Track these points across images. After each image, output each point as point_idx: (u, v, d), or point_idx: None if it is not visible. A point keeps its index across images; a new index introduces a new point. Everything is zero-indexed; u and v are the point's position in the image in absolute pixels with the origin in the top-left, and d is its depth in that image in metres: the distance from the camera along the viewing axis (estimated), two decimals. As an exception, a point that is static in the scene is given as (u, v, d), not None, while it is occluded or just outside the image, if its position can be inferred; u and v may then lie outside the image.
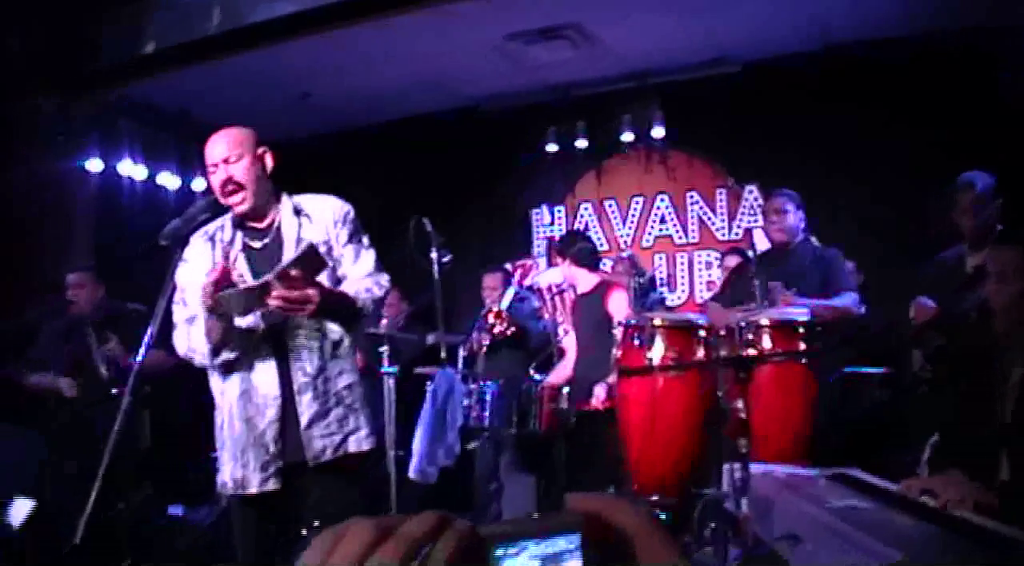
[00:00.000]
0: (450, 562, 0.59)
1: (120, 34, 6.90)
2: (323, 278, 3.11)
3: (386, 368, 5.76)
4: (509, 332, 5.83)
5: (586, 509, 0.66)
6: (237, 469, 3.15)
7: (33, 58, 6.80)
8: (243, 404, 3.14)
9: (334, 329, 3.15)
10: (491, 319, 5.84)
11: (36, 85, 7.06)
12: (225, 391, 3.21)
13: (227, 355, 3.14)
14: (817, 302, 4.93)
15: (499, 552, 0.62)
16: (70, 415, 5.51)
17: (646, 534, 0.65)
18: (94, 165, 7.53)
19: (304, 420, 3.07)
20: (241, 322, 3.06)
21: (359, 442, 3.16)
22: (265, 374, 3.11)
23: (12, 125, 7.02)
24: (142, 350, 2.99)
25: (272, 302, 2.84)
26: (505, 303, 5.85)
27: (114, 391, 5.19)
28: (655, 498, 4.44)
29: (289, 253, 3.13)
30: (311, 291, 2.86)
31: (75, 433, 5.42)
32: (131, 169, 7.81)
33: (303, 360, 3.10)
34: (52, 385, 5.57)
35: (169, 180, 8.08)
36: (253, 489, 3.10)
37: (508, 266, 7.29)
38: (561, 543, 0.64)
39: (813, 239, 5.60)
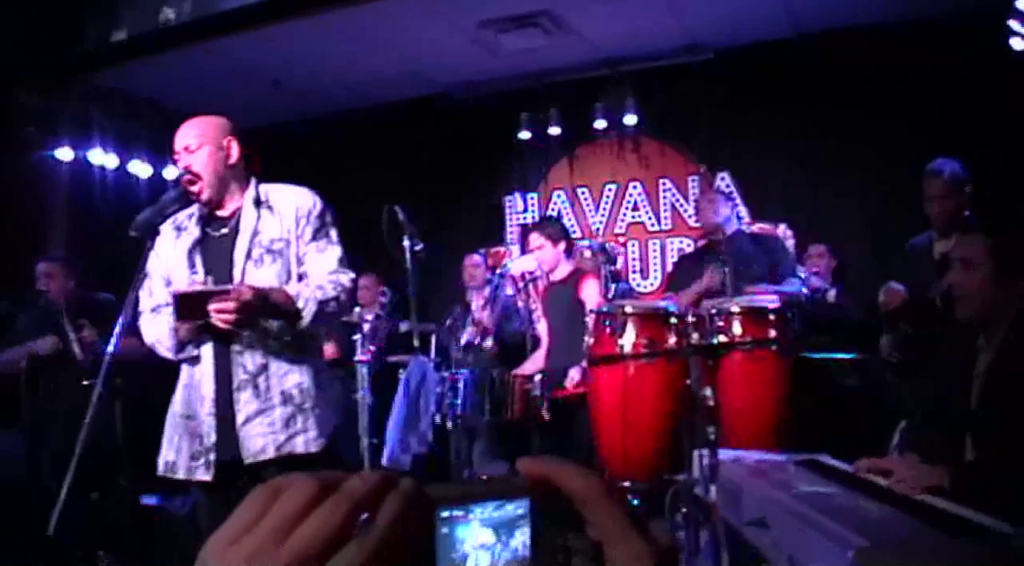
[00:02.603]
0: (396, 521, 0.58)
1: (92, 21, 6.84)
2: (276, 277, 3.13)
3: (360, 356, 5.76)
4: (486, 344, 5.95)
5: (535, 474, 0.65)
6: (170, 453, 3.18)
7: (3, 45, 6.73)
8: (187, 394, 3.17)
9: (281, 328, 3.13)
10: (476, 328, 5.96)
11: (6, 73, 6.99)
12: (178, 385, 3.25)
13: (191, 351, 3.17)
14: (772, 289, 5.03)
15: (445, 514, 0.61)
16: (44, 408, 5.49)
17: (595, 499, 0.63)
18: (65, 154, 7.48)
19: (240, 417, 3.06)
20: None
21: (307, 443, 3.11)
22: (209, 368, 3.12)
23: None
24: (113, 340, 2.99)
25: (215, 317, 2.90)
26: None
27: (85, 382, 5.16)
28: (627, 484, 4.47)
29: (242, 243, 3.15)
30: (246, 296, 2.90)
31: (49, 423, 5.40)
32: (102, 158, 7.76)
33: (245, 357, 3.09)
34: (30, 351, 5.51)
35: (141, 168, 8.03)
36: (180, 475, 3.13)
37: (481, 253, 7.32)
38: (510, 509, 0.63)
39: (749, 227, 5.75)
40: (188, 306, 2.96)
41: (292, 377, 3.14)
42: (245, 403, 3.07)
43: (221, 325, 2.91)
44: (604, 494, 0.64)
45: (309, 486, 0.58)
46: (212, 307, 2.87)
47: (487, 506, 0.63)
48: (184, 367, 3.23)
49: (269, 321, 3.10)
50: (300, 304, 3.06)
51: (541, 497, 0.64)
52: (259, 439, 3.07)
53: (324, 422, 3.18)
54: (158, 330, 3.18)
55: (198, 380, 3.15)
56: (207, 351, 3.14)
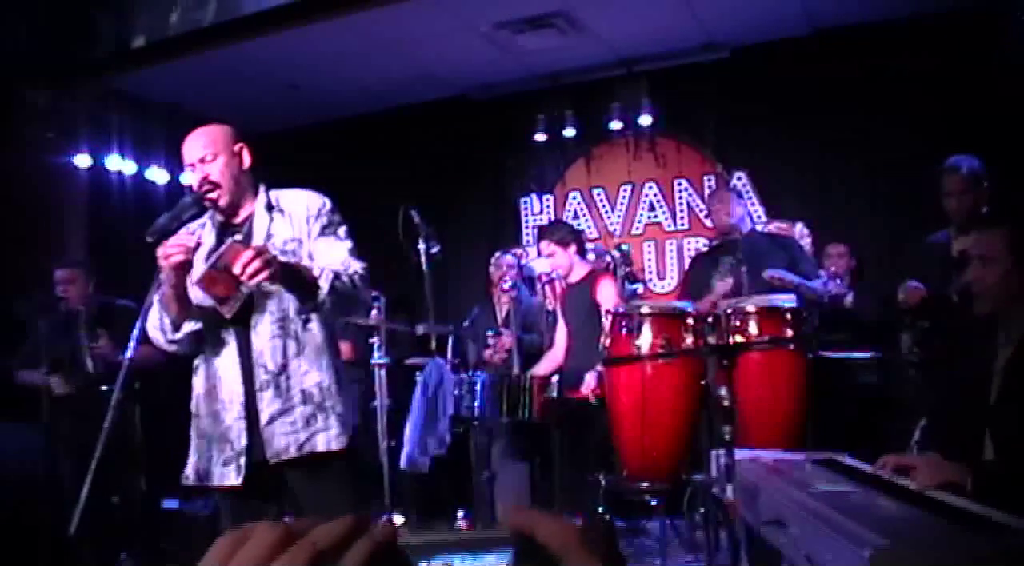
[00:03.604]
0: None
1: (109, 25, 6.88)
2: None
3: (377, 358, 5.77)
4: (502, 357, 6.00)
5: (516, 525, 0.64)
6: (201, 462, 3.19)
7: (20, 50, 6.77)
8: (209, 400, 3.18)
9: (300, 327, 3.14)
10: (499, 349, 6.00)
11: (24, 77, 7.04)
12: (194, 387, 3.25)
13: (190, 326, 3.15)
14: (800, 281, 5.01)
15: (422, 565, 0.60)
16: (63, 410, 5.53)
17: (571, 548, 0.62)
18: (83, 161, 7.52)
19: (264, 417, 3.08)
20: (202, 299, 3.06)
21: (328, 441, 3.12)
22: (228, 371, 3.13)
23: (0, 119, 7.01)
24: (131, 345, 3.01)
25: (237, 271, 2.81)
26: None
27: (104, 387, 5.19)
28: (646, 484, 4.46)
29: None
30: (264, 252, 2.85)
31: (69, 428, 5.45)
32: (120, 164, 7.80)
33: (265, 358, 3.09)
34: (42, 383, 5.57)
35: (158, 174, 8.06)
36: (213, 482, 3.14)
37: (515, 254, 7.31)
38: (491, 560, 0.61)
39: (766, 227, 5.72)
40: (217, 286, 2.92)
41: (312, 376, 3.15)
42: (268, 403, 3.09)
43: (259, 281, 2.84)
44: (580, 543, 0.63)
45: (273, 533, 0.58)
46: (237, 269, 2.80)
47: (466, 557, 0.61)
48: (200, 374, 3.24)
49: (286, 301, 3.10)
50: (316, 272, 3.05)
51: (523, 547, 0.63)
52: (282, 438, 3.08)
53: (345, 420, 3.19)
54: (152, 320, 3.18)
55: (215, 384, 3.16)
56: (228, 355, 3.14)
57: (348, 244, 3.28)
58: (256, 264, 2.79)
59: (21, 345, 5.79)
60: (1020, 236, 2.75)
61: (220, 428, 3.13)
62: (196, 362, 3.26)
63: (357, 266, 3.20)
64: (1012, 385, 2.70)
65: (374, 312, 5.88)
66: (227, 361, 3.14)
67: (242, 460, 3.09)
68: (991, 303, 2.81)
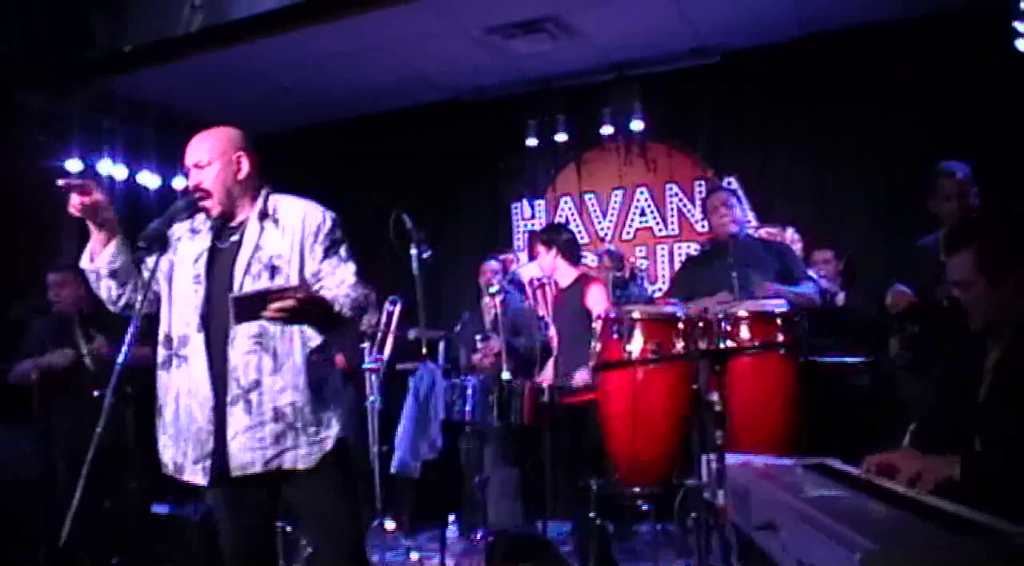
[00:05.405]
0: None
1: (102, 30, 6.87)
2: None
3: (368, 363, 5.77)
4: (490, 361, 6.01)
5: None
6: (178, 455, 3.17)
7: (14, 55, 6.76)
8: (188, 401, 3.13)
9: (279, 344, 3.11)
10: (487, 353, 5.99)
11: (18, 81, 7.03)
12: (170, 387, 3.20)
13: (128, 294, 3.26)
14: (787, 289, 5.01)
15: None
16: (58, 413, 5.53)
17: None
18: (74, 165, 7.50)
19: (230, 431, 3.05)
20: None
21: (295, 459, 3.09)
22: (203, 381, 3.09)
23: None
24: (123, 349, 3.00)
25: (268, 314, 2.86)
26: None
27: (96, 393, 5.17)
28: (637, 488, 4.46)
29: (243, 257, 3.14)
30: (303, 296, 2.90)
31: (63, 432, 5.44)
32: (111, 168, 7.78)
33: (239, 372, 3.07)
34: (42, 365, 5.56)
35: (149, 179, 8.05)
36: (186, 476, 3.13)
37: (499, 259, 7.32)
38: None
39: (757, 231, 5.73)
40: (245, 308, 2.92)
41: (287, 395, 3.10)
42: (237, 418, 3.06)
43: (275, 320, 2.92)
44: None
45: None
46: (274, 306, 2.85)
47: None
48: (183, 369, 3.18)
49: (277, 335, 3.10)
50: (336, 307, 3.07)
51: None
52: (248, 453, 3.06)
53: (318, 440, 3.14)
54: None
55: (189, 388, 3.13)
56: (206, 365, 3.11)
57: (353, 267, 3.24)
58: (285, 315, 2.88)
59: (16, 348, 5.78)
60: (983, 254, 2.81)
61: (193, 425, 3.10)
62: (179, 360, 3.21)
63: (363, 291, 3.20)
64: (1001, 384, 2.73)
65: (364, 317, 5.88)
66: (204, 371, 3.11)
67: (207, 463, 3.08)
68: (983, 318, 2.86)
